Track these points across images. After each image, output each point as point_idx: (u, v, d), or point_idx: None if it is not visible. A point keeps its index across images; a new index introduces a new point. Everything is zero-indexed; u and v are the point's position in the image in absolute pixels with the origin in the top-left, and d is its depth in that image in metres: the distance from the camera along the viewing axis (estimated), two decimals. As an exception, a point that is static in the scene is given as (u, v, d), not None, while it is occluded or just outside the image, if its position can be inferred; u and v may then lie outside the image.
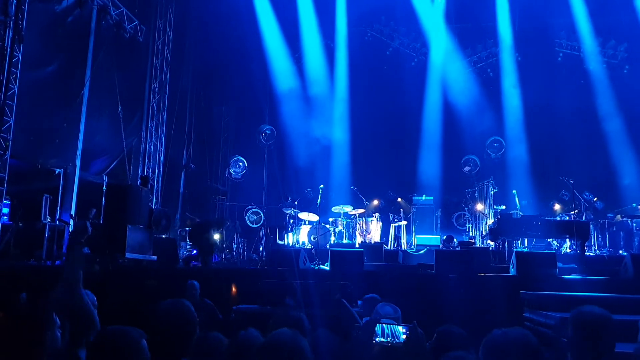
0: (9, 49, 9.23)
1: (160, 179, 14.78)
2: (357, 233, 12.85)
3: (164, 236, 11.52)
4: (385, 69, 16.74)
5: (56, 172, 11.29)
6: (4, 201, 9.57)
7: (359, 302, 6.85)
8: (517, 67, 15.80)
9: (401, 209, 13.49)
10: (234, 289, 8.13)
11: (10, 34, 9.23)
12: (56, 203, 10.85)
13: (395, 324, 3.26)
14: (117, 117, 12.86)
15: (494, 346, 2.36)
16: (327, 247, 11.77)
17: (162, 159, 14.93)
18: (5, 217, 9.71)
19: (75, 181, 11.72)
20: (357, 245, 12.07)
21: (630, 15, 14.53)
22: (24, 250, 9.51)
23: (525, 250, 11.11)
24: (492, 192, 13.18)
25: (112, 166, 13.32)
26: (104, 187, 11.18)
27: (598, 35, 15.34)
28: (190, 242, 10.36)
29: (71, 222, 10.67)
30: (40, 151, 11.16)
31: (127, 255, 9.08)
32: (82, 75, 12.09)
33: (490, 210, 13.06)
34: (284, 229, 13.61)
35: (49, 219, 10.07)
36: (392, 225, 13.27)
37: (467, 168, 16.00)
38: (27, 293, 5.73)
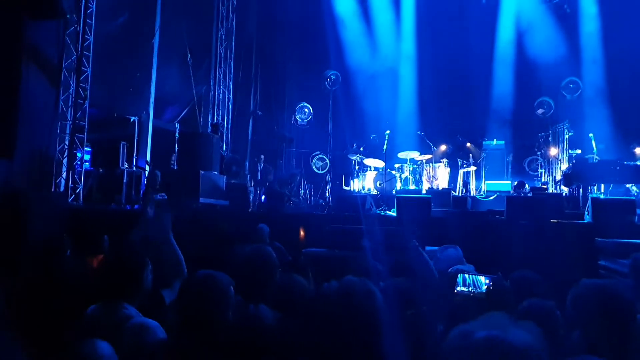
0: (83, 1, 9.51)
1: (229, 125, 15.09)
2: (424, 179, 12.72)
3: (234, 181, 11.88)
4: (453, 8, 15.96)
5: (131, 120, 11.74)
6: (86, 148, 10.11)
7: (427, 247, 6.88)
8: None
9: (470, 154, 13.17)
10: (302, 233, 8.32)
11: (84, -15, 9.48)
12: (132, 150, 11.35)
13: (476, 274, 3.24)
14: (187, 65, 13.10)
15: (583, 296, 2.28)
16: (393, 193, 11.75)
17: (230, 106, 15.18)
18: (87, 164, 10.30)
19: (149, 129, 12.14)
20: (424, 192, 11.98)
21: None
22: (105, 195, 10.08)
23: (602, 196, 10.65)
24: (567, 136, 12.58)
25: (183, 114, 13.68)
26: (177, 134, 11.54)
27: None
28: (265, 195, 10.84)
29: (147, 168, 11.15)
30: (115, 100, 11.60)
31: (201, 200, 9.45)
32: (152, 24, 12.31)
33: (565, 155, 12.51)
34: (350, 175, 13.68)
35: (126, 165, 10.58)
36: (461, 171, 13.02)
37: (540, 110, 15.22)
38: (110, 236, 6.04)
